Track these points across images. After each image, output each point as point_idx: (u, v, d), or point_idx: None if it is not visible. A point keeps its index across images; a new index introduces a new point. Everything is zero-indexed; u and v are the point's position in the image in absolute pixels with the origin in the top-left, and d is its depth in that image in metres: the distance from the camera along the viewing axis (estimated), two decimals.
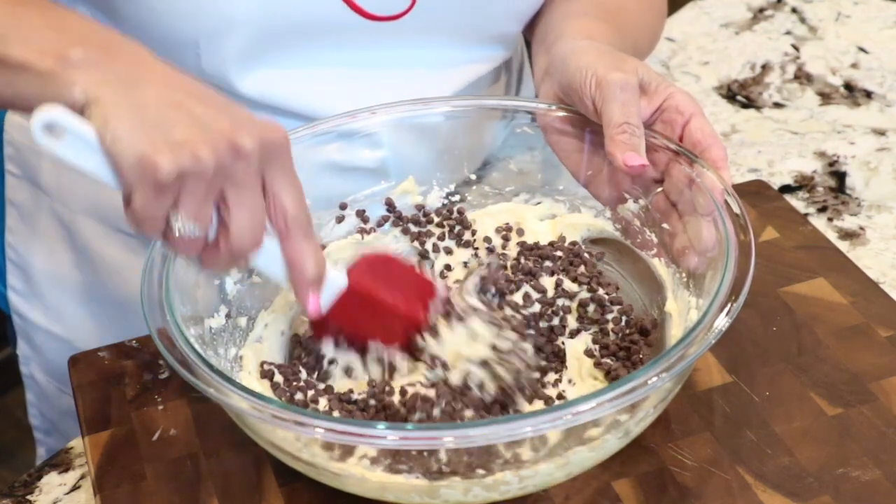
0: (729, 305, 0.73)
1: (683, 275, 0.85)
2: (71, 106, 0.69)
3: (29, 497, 0.88)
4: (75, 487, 0.88)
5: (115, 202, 1.04)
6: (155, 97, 0.69)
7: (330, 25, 0.94)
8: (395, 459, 0.73)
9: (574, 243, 0.93)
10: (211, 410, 0.83)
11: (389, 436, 0.69)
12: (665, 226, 0.86)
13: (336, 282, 0.79)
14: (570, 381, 0.85)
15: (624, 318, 0.88)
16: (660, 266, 0.88)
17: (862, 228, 1.09)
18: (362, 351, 0.83)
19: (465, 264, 0.93)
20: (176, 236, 0.70)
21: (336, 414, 0.80)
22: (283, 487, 0.82)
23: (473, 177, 0.99)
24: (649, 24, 1.07)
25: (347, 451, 0.74)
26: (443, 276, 0.92)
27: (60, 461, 0.91)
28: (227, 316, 0.85)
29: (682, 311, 0.84)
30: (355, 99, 0.95)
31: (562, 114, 0.91)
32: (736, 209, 0.80)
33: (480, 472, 0.73)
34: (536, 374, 0.83)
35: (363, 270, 0.81)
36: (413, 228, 0.95)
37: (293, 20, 0.92)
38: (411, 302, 0.82)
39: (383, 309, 0.81)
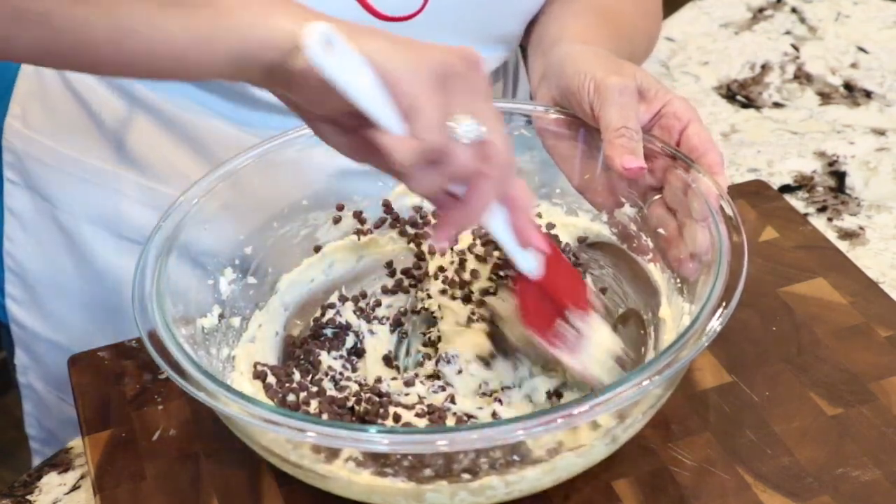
0: (722, 308, 0.73)
1: (678, 280, 0.85)
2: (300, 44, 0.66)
3: (29, 497, 0.88)
4: (75, 487, 0.88)
5: (118, 209, 1.06)
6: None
7: None
8: (381, 463, 0.73)
9: (566, 245, 0.93)
10: (210, 410, 0.83)
11: (381, 440, 0.68)
12: (661, 231, 0.86)
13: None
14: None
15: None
16: (655, 271, 0.88)
17: (861, 228, 1.09)
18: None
19: (461, 263, 0.93)
20: (461, 141, 0.69)
21: (325, 417, 0.80)
22: (283, 488, 0.82)
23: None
24: (645, 29, 1.07)
25: (333, 454, 0.74)
26: (436, 277, 0.92)
27: (60, 461, 0.91)
28: (221, 316, 0.85)
29: (675, 317, 0.84)
30: None
31: (558, 117, 0.91)
32: (729, 212, 0.80)
33: (466, 476, 0.73)
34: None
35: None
36: (410, 230, 0.95)
37: None
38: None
39: (572, 275, 0.84)
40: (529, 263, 0.80)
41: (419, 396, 0.83)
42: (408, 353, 0.91)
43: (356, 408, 0.81)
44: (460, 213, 0.72)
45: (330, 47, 0.65)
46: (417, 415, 0.80)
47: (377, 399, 0.81)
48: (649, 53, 1.09)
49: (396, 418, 0.79)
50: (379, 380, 0.86)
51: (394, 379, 0.86)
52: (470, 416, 0.80)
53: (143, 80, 0.79)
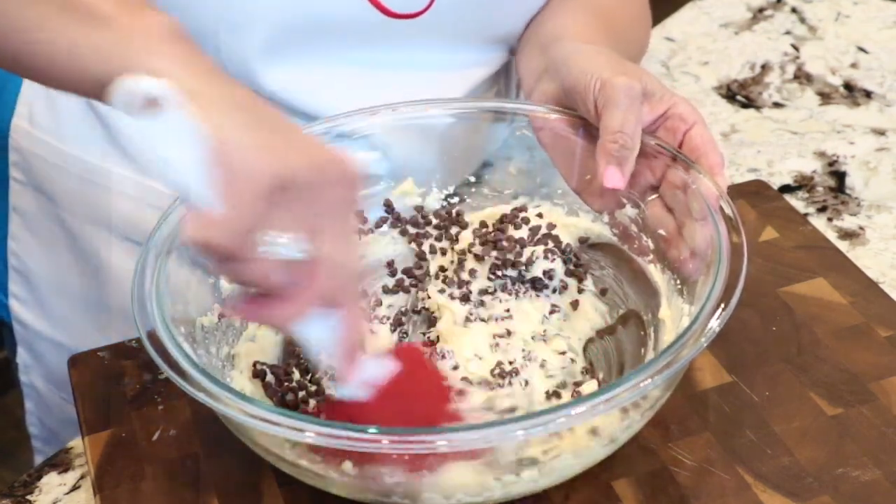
0: (721, 307, 0.73)
1: (678, 281, 0.85)
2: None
3: (29, 497, 0.88)
4: (75, 487, 0.88)
5: (122, 210, 1.06)
6: (247, 103, 0.65)
7: (350, 22, 0.94)
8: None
9: (567, 245, 0.93)
10: (210, 410, 0.83)
11: (381, 440, 0.69)
12: (661, 232, 0.86)
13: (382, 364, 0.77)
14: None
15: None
16: (655, 272, 0.88)
17: (861, 228, 1.09)
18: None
19: (460, 263, 0.93)
20: (260, 253, 0.65)
21: (323, 416, 0.80)
22: (283, 488, 0.82)
23: (472, 178, 0.99)
24: (637, 37, 1.07)
25: (332, 454, 0.74)
26: (437, 276, 0.92)
27: (60, 461, 0.91)
28: (221, 315, 0.85)
29: (675, 318, 0.84)
30: (366, 98, 0.95)
31: (559, 118, 0.91)
32: (729, 212, 0.80)
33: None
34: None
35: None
36: (411, 230, 0.95)
37: (313, 15, 0.92)
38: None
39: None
40: (347, 389, 0.75)
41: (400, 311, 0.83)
42: None
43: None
44: (264, 312, 0.69)
45: (153, 106, 0.61)
46: None
47: None
48: (641, 58, 1.10)
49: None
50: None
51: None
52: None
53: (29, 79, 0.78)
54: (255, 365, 0.84)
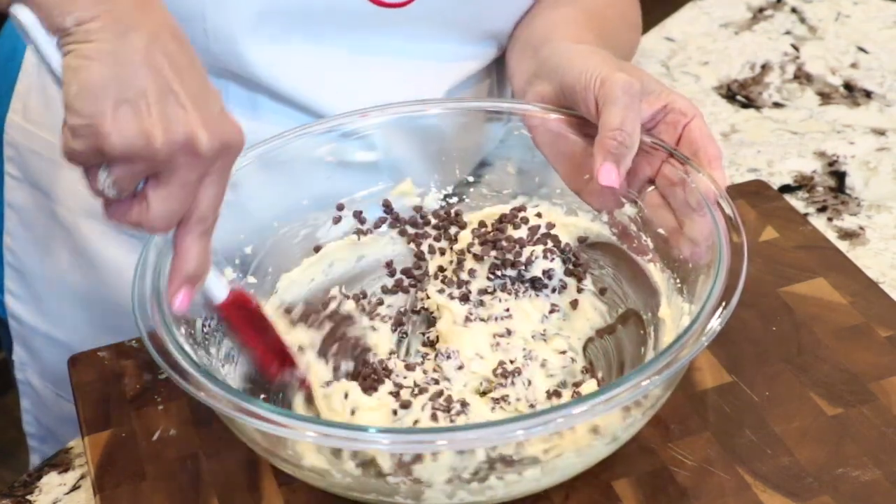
0: (722, 307, 0.73)
1: (678, 280, 0.85)
2: (56, 26, 0.66)
3: (29, 497, 0.88)
4: (75, 487, 0.88)
5: None
6: (139, 54, 0.66)
7: (339, 9, 0.94)
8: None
9: (567, 245, 0.93)
10: (210, 410, 0.83)
11: (381, 440, 0.69)
12: (660, 230, 0.86)
13: (220, 285, 0.79)
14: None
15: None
16: (655, 271, 0.88)
17: (861, 228, 1.09)
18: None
19: (459, 263, 0.93)
20: (95, 187, 0.69)
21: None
22: (283, 487, 0.82)
23: (471, 178, 0.99)
24: (628, 39, 1.08)
25: (334, 453, 0.74)
26: (436, 276, 0.92)
27: (60, 461, 0.91)
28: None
29: (675, 317, 0.84)
30: (355, 86, 0.95)
31: (555, 117, 0.91)
32: (728, 211, 0.80)
33: (465, 474, 0.73)
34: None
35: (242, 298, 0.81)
36: (410, 230, 0.95)
37: (299, 2, 0.92)
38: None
39: (262, 335, 0.81)
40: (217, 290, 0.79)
41: (415, 383, 0.83)
42: (408, 352, 0.91)
43: (361, 369, 0.84)
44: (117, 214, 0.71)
45: (27, 34, 0.67)
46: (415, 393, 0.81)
47: (381, 370, 0.83)
48: (629, 61, 1.10)
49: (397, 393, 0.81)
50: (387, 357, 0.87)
51: (402, 360, 0.87)
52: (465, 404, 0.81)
53: None
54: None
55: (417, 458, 0.72)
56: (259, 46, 0.94)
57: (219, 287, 0.79)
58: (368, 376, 0.84)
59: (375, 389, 0.82)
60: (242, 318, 0.80)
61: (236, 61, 0.94)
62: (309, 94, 0.97)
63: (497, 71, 1.11)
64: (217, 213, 0.73)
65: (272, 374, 0.82)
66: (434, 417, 0.78)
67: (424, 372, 0.85)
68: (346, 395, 0.80)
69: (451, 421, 0.78)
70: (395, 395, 0.82)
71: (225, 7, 0.91)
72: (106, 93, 0.66)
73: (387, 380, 0.83)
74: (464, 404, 0.80)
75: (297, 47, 0.96)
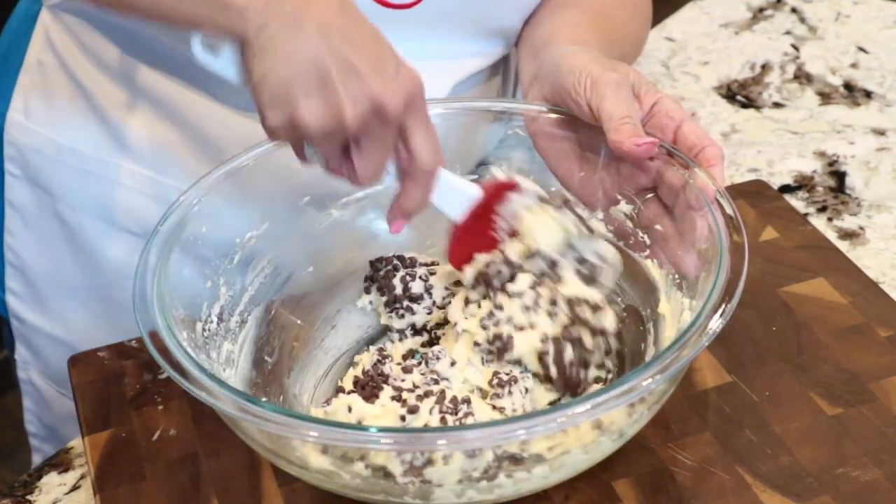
0: (723, 307, 0.73)
1: (676, 276, 0.85)
2: (238, 37, 0.74)
3: (29, 497, 0.88)
4: (75, 487, 0.88)
5: (121, 201, 1.06)
6: (313, 40, 0.73)
7: None
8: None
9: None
10: (211, 410, 0.83)
11: (383, 440, 0.68)
12: (658, 227, 0.86)
13: (467, 192, 0.85)
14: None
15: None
16: (652, 267, 0.88)
17: (862, 228, 1.09)
18: None
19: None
20: (304, 157, 0.79)
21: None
22: (283, 487, 0.82)
23: (470, 178, 0.99)
24: (636, 33, 1.07)
25: (343, 457, 0.74)
26: (423, 279, 0.92)
27: (60, 461, 0.91)
28: (220, 316, 0.85)
29: (675, 313, 0.84)
30: None
31: (553, 117, 0.91)
32: (729, 210, 0.80)
33: (475, 474, 0.73)
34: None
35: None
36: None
37: None
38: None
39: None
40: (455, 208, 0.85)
41: (413, 384, 0.83)
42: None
43: (359, 377, 0.84)
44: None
45: (216, 49, 0.76)
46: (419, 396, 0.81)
47: (377, 376, 0.83)
48: (638, 55, 1.10)
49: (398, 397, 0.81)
50: (381, 361, 0.86)
51: (396, 364, 0.86)
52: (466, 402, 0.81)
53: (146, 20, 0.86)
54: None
55: (428, 461, 0.72)
56: None
57: (456, 205, 0.85)
58: (367, 384, 0.84)
59: (377, 397, 0.82)
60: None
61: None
62: None
63: (505, 68, 1.11)
64: (438, 154, 0.80)
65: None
66: (443, 421, 0.78)
67: (422, 374, 0.85)
68: (349, 409, 0.79)
69: (460, 423, 0.78)
70: (398, 398, 0.82)
71: None
72: (293, 90, 0.73)
73: (385, 385, 0.83)
74: (468, 403, 0.80)
75: None
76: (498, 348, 0.83)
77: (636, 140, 0.82)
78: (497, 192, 0.86)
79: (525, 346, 0.82)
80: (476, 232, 0.86)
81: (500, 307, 0.83)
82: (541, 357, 0.82)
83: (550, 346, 0.81)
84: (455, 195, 0.85)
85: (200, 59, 0.76)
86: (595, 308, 0.83)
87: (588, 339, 0.82)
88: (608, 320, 0.83)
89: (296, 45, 0.73)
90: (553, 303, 0.83)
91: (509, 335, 0.82)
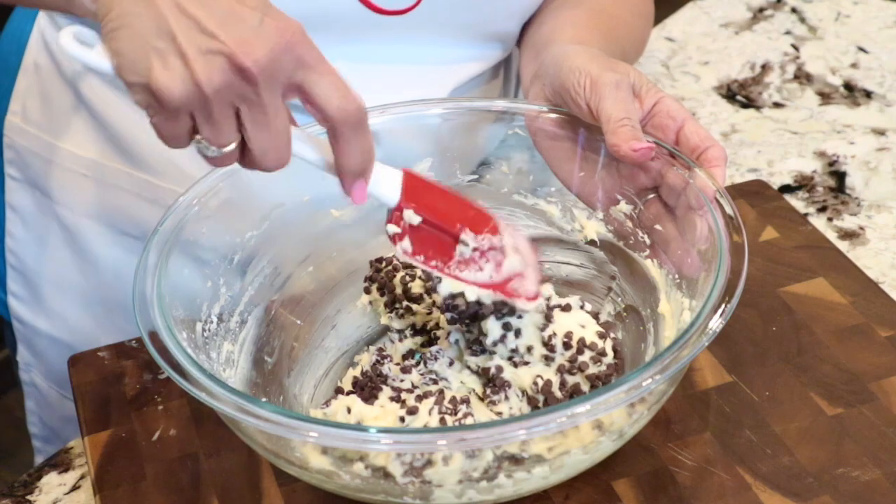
0: (723, 307, 0.73)
1: (676, 276, 0.85)
2: (84, 12, 0.69)
3: (29, 497, 0.88)
4: (75, 487, 0.88)
5: (119, 204, 1.06)
6: (159, 7, 0.66)
7: (339, 18, 0.94)
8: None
9: None
10: (210, 410, 0.83)
11: (382, 440, 0.68)
12: (658, 227, 0.86)
13: (392, 172, 0.77)
14: None
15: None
16: (652, 267, 0.88)
17: (862, 228, 1.09)
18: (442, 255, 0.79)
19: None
20: (205, 156, 0.70)
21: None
22: (283, 488, 0.82)
23: (470, 178, 0.99)
24: (638, 31, 1.07)
25: (343, 458, 0.74)
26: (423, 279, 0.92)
27: (60, 461, 0.91)
28: (220, 317, 0.85)
29: (674, 313, 0.84)
30: (360, 93, 0.95)
31: (553, 117, 0.91)
32: (729, 210, 0.80)
33: (475, 474, 0.73)
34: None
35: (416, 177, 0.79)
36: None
37: (304, 11, 0.92)
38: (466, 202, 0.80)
39: (449, 197, 0.79)
40: (357, 191, 0.75)
41: (412, 385, 0.83)
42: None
43: (358, 378, 0.83)
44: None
45: (87, 41, 0.69)
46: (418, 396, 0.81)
47: (376, 377, 0.83)
48: (640, 54, 1.10)
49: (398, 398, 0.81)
50: (379, 362, 0.86)
51: (395, 364, 0.86)
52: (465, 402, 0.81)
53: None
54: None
55: (428, 462, 0.72)
56: None
57: (389, 182, 0.77)
58: (366, 385, 0.84)
59: (376, 398, 0.82)
60: (426, 198, 0.78)
61: None
62: None
63: (506, 70, 1.11)
64: (349, 102, 0.70)
65: (494, 231, 0.79)
66: (442, 421, 0.78)
67: (421, 374, 0.85)
68: (349, 410, 0.79)
69: (459, 424, 0.78)
70: (397, 399, 0.82)
71: None
72: (142, 52, 0.66)
73: (384, 386, 0.83)
74: (467, 403, 0.80)
75: None
76: (487, 378, 0.83)
77: (633, 145, 0.82)
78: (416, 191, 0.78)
79: (515, 379, 0.82)
80: (432, 241, 0.79)
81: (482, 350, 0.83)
82: (530, 394, 0.82)
83: (541, 382, 0.81)
84: (383, 176, 0.77)
85: (72, 53, 0.69)
86: (596, 356, 0.80)
87: (585, 386, 0.80)
88: (607, 360, 0.81)
89: (141, 11, 0.66)
90: (551, 348, 0.81)
91: (499, 366, 0.82)
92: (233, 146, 0.70)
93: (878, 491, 0.79)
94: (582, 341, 0.80)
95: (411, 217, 0.77)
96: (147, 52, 0.66)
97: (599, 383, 0.80)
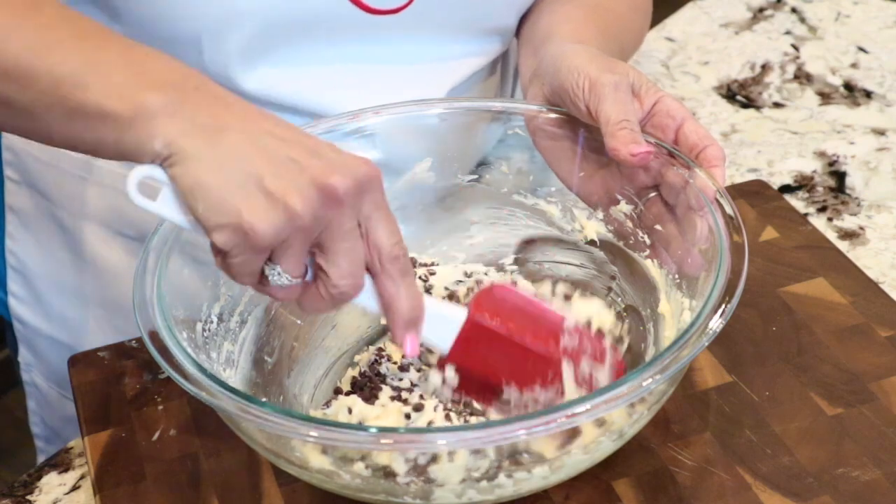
0: (723, 307, 0.73)
1: (676, 276, 0.85)
2: (153, 157, 0.67)
3: (29, 497, 0.88)
4: (75, 487, 0.88)
5: (116, 206, 1.06)
6: (239, 145, 0.67)
7: (330, 19, 0.94)
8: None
9: None
10: (211, 410, 0.83)
11: (382, 440, 0.69)
12: (658, 227, 0.86)
13: (452, 318, 0.76)
14: None
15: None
16: (652, 267, 0.88)
17: (862, 228, 1.09)
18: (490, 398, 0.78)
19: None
20: (271, 288, 0.69)
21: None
22: (283, 487, 0.82)
23: (470, 178, 0.99)
24: (636, 25, 1.07)
25: (344, 457, 0.74)
26: (423, 279, 0.92)
27: (60, 461, 0.91)
28: (220, 316, 0.85)
29: (674, 313, 0.84)
30: (355, 95, 0.95)
31: (553, 117, 0.91)
32: (729, 210, 0.80)
33: (475, 474, 0.73)
34: None
35: (485, 302, 0.77)
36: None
37: (294, 14, 0.92)
38: (540, 337, 0.77)
39: (511, 345, 0.76)
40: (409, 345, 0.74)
41: (411, 383, 0.83)
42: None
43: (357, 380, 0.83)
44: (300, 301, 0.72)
45: (152, 186, 0.67)
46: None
47: (374, 377, 0.83)
48: (637, 48, 1.09)
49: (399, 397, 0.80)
50: (378, 361, 0.86)
51: (393, 363, 0.87)
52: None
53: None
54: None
55: (433, 458, 0.72)
56: (256, 69, 0.94)
57: (455, 313, 0.76)
58: (366, 385, 0.84)
59: (377, 397, 0.82)
60: (479, 350, 0.76)
61: (233, 86, 0.93)
62: (313, 107, 0.97)
63: (503, 65, 1.11)
64: (403, 247, 0.71)
65: (555, 357, 0.76)
66: (448, 418, 0.78)
67: (419, 370, 0.85)
68: (349, 411, 0.79)
69: (465, 420, 0.78)
70: (398, 398, 0.82)
71: (221, 32, 0.91)
72: (230, 192, 0.65)
73: (384, 385, 0.83)
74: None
75: (292, 64, 0.95)
76: None
77: (632, 149, 0.82)
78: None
79: None
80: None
81: None
82: None
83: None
84: (438, 320, 0.75)
85: (139, 203, 0.68)
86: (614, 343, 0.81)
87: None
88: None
89: (220, 150, 0.66)
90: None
91: None
92: (308, 276, 0.70)
93: (878, 491, 0.79)
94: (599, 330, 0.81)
95: (450, 372, 0.77)
96: (231, 187, 0.65)
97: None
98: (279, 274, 0.68)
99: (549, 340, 0.77)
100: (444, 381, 0.78)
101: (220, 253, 0.68)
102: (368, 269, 0.71)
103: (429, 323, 0.74)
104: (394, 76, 0.98)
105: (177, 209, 0.68)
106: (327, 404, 0.82)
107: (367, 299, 0.72)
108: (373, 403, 0.82)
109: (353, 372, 0.88)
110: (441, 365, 0.78)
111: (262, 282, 0.69)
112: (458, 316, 0.76)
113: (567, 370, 0.76)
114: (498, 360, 0.77)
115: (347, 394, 0.85)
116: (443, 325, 0.76)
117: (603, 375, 0.78)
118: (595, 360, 0.77)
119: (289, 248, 0.67)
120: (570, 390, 0.76)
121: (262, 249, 0.67)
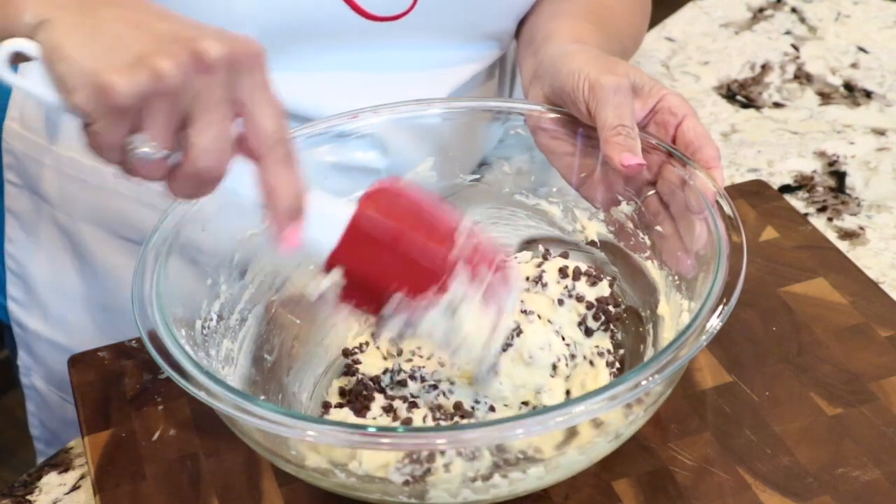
0: (721, 307, 0.73)
1: (676, 277, 0.85)
2: (25, 32, 0.64)
3: (29, 497, 0.88)
4: (75, 487, 0.88)
5: (117, 209, 1.06)
6: (112, 17, 0.63)
7: (330, 25, 0.94)
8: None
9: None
10: (210, 410, 0.83)
11: (381, 439, 0.69)
12: (658, 228, 0.86)
13: (338, 214, 0.70)
14: None
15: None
16: (652, 269, 0.88)
17: (862, 228, 1.09)
18: (377, 309, 0.73)
19: None
20: (134, 160, 0.64)
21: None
22: (283, 487, 0.82)
23: (470, 178, 0.99)
24: (635, 24, 1.07)
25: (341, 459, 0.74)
26: None
27: (60, 461, 0.91)
28: (220, 316, 0.85)
29: (674, 314, 0.84)
30: (355, 101, 0.95)
31: (554, 116, 0.91)
32: (728, 211, 0.80)
33: (470, 474, 0.73)
34: None
35: (376, 201, 0.70)
36: None
37: (294, 20, 0.92)
38: (434, 238, 0.70)
39: (400, 246, 0.70)
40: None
41: (411, 395, 0.83)
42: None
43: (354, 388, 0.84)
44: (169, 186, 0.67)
45: (23, 60, 0.65)
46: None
47: (373, 385, 0.83)
48: (637, 47, 1.09)
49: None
50: (378, 378, 0.86)
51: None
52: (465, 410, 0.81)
53: None
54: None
55: (428, 471, 0.72)
56: None
57: (341, 210, 0.69)
58: (360, 394, 0.84)
59: (368, 409, 0.82)
60: (368, 252, 0.69)
61: None
62: (312, 112, 0.96)
63: (501, 68, 1.11)
64: (286, 132, 0.66)
65: (448, 266, 0.70)
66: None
67: (423, 379, 0.85)
68: None
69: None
70: (388, 409, 0.82)
71: None
72: (93, 53, 0.62)
73: (378, 395, 0.83)
74: (451, 382, 0.80)
75: (294, 70, 0.95)
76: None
77: (624, 160, 0.82)
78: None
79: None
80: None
81: None
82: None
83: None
84: (323, 217, 0.69)
85: (7, 79, 0.65)
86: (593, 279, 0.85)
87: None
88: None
89: (90, 20, 0.63)
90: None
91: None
92: (174, 155, 0.65)
93: (878, 491, 0.79)
94: (577, 269, 0.86)
95: (336, 277, 0.70)
96: (97, 49, 0.62)
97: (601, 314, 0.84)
98: (143, 141, 0.64)
99: (443, 242, 0.71)
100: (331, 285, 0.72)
101: (83, 123, 0.64)
102: (250, 155, 0.67)
103: (313, 219, 0.68)
104: (392, 82, 0.98)
105: (45, 84, 0.64)
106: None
107: (245, 187, 0.67)
108: (364, 415, 0.82)
109: (338, 383, 0.88)
110: (327, 268, 0.71)
111: (126, 160, 0.65)
112: (344, 212, 0.70)
113: (460, 274, 0.71)
114: (386, 262, 0.70)
115: (336, 405, 0.85)
116: (328, 222, 0.70)
117: (495, 280, 0.73)
118: (489, 266, 0.72)
119: (154, 112, 0.63)
120: (460, 293, 0.71)
121: (122, 111, 0.62)
